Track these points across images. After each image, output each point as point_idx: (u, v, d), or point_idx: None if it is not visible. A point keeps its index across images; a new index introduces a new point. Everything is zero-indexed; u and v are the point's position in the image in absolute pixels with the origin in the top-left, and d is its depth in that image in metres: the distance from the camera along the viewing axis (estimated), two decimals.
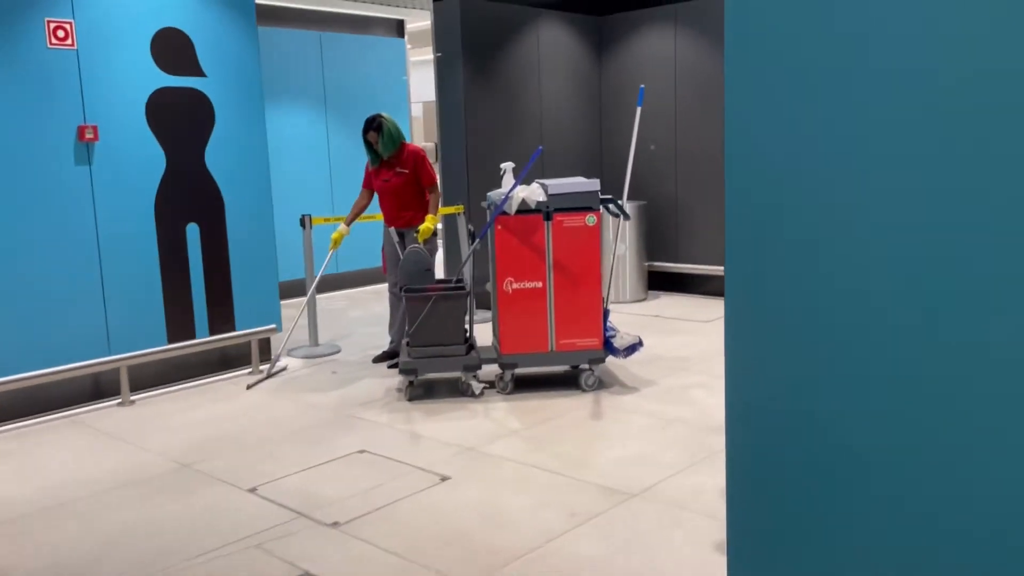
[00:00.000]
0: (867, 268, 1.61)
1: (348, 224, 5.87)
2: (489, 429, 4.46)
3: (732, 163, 1.78)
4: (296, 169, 8.71)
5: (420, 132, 14.28)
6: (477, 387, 5.00)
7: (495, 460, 4.01)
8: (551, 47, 7.99)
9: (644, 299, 7.97)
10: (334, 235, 5.82)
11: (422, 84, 12.00)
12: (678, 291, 8.20)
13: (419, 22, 9.77)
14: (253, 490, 3.77)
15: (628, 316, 7.18)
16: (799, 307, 1.72)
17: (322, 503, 3.60)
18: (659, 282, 8.25)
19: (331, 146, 9.03)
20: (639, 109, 5.03)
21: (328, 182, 9.04)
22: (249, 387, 5.47)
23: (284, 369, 5.88)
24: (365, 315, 7.73)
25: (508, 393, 5.03)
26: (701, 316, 7.13)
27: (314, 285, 6.14)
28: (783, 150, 1.70)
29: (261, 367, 5.85)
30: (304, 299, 6.34)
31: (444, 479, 3.80)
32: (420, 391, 5.17)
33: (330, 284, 8.78)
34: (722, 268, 7.46)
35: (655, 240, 8.11)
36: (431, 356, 4.94)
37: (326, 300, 8.52)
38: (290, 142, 8.66)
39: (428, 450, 4.18)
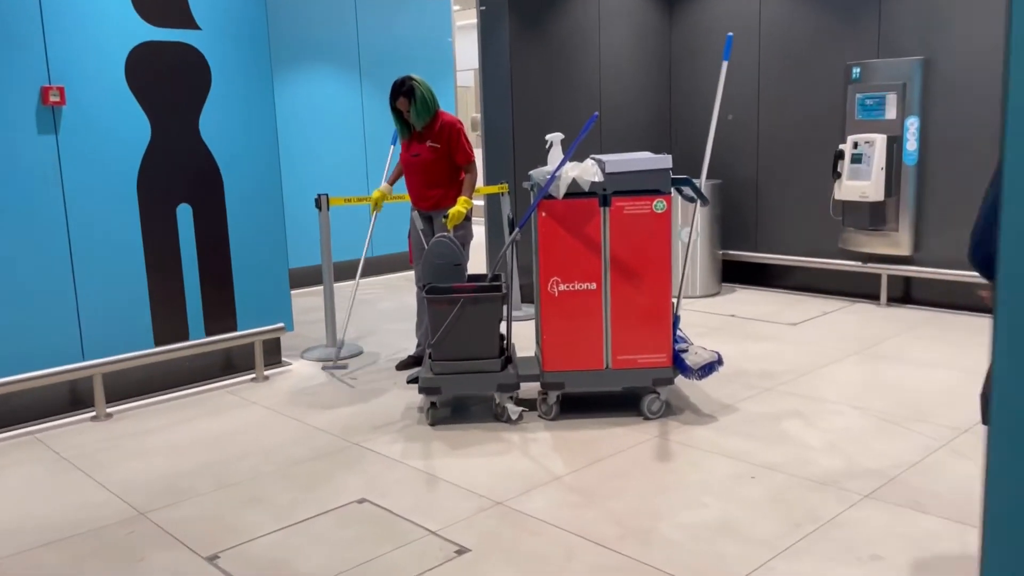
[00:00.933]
0: None
1: (391, 183, 5.06)
2: (526, 471, 3.52)
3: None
4: (326, 142, 7.84)
5: (470, 103, 13.32)
6: (514, 411, 4.05)
7: (530, 523, 3.07)
8: None
9: (717, 293, 6.90)
10: (375, 194, 5.02)
11: (472, 50, 11.02)
12: (756, 284, 7.10)
13: None
14: (214, 558, 2.90)
15: (698, 315, 6.14)
16: None
17: None
18: (734, 274, 7.16)
19: (366, 116, 8.13)
20: (725, 64, 3.98)
21: (362, 157, 8.15)
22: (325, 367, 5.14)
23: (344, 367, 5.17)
24: (396, 307, 6.85)
25: (552, 419, 4.08)
26: (786, 317, 6.05)
27: (358, 274, 5.30)
28: None
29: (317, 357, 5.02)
30: (351, 285, 5.51)
31: (461, 552, 2.87)
32: (446, 411, 4.26)
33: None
34: (808, 259, 6.33)
35: (730, 226, 7.02)
36: (458, 372, 4.01)
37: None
38: (319, 111, 7.78)
39: (446, 503, 3.26)
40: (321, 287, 5.60)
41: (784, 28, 6.60)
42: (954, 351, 5.02)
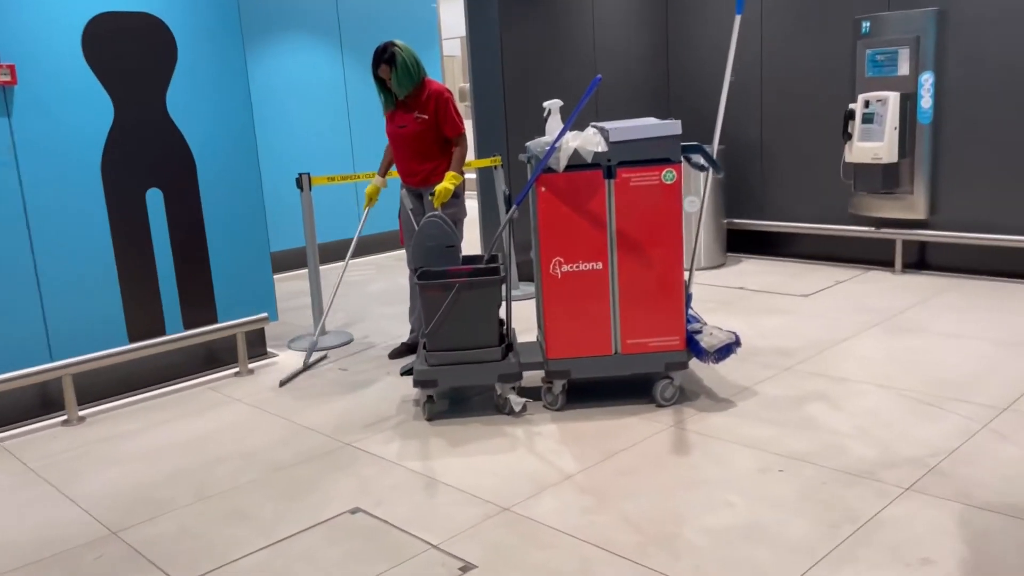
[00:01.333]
0: None
1: (382, 175, 4.74)
2: (533, 470, 3.24)
3: None
4: (306, 117, 7.47)
5: (457, 72, 12.91)
6: (517, 403, 3.76)
7: (540, 532, 2.78)
8: None
9: (722, 264, 6.61)
10: (368, 189, 4.71)
11: (458, 18, 10.59)
12: (763, 253, 6.81)
13: None
14: None
15: (705, 288, 5.85)
16: None
17: None
18: (740, 243, 6.87)
19: (349, 89, 7.75)
20: (738, 18, 3.64)
21: (346, 132, 7.79)
22: (282, 384, 4.47)
23: (324, 357, 4.86)
24: (389, 289, 6.54)
25: (558, 409, 3.79)
26: (797, 288, 5.76)
27: (350, 255, 5.00)
28: None
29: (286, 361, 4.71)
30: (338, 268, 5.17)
31: (466, 568, 2.59)
32: (444, 405, 3.97)
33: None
34: (818, 225, 5.98)
35: (735, 192, 6.71)
36: (455, 363, 3.71)
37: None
38: (297, 84, 7.40)
39: (447, 509, 2.97)
40: (305, 270, 5.28)
41: None
42: (980, 320, 4.74)
